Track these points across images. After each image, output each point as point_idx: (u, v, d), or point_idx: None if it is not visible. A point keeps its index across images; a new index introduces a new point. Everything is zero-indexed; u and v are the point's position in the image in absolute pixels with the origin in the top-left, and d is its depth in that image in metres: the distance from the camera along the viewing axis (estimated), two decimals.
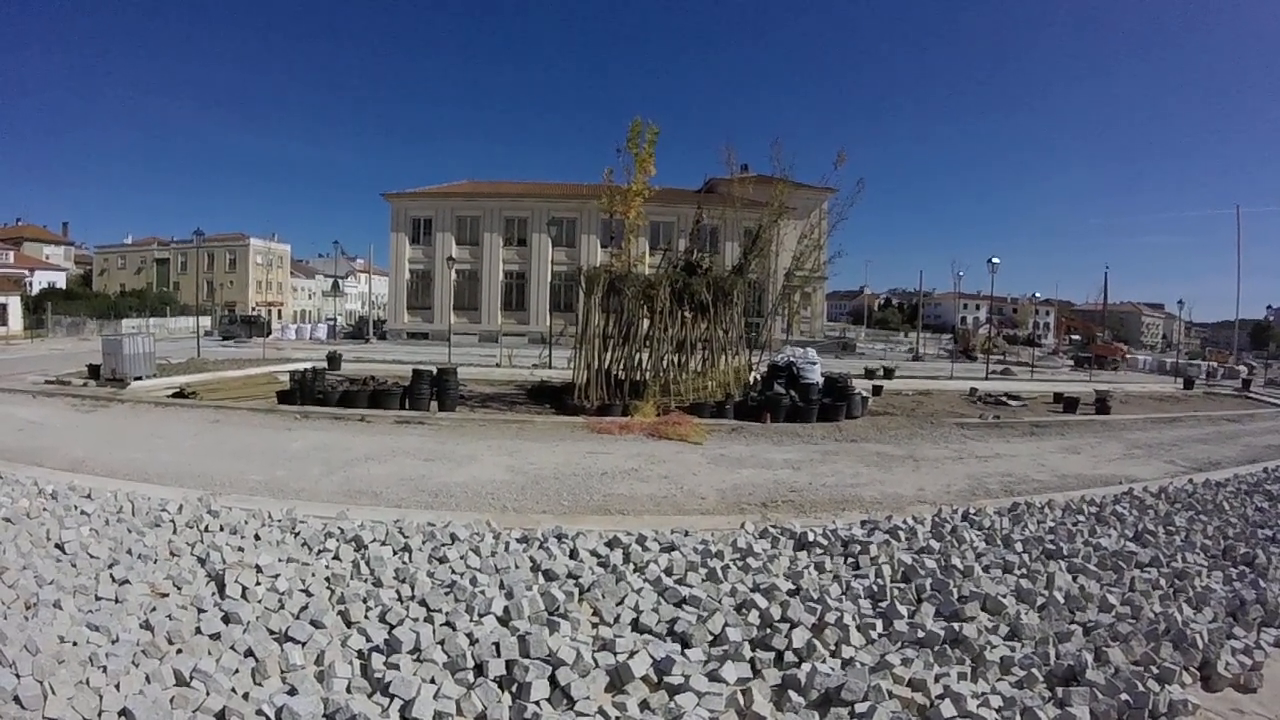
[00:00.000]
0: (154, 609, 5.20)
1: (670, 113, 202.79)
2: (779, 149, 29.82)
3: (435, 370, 18.66)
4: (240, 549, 6.46)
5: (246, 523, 7.36)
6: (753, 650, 5.16)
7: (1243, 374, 40.93)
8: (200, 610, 5.20)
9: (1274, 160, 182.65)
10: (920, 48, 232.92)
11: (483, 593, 5.74)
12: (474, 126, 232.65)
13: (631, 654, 4.81)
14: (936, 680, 4.73)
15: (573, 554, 6.97)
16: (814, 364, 20.40)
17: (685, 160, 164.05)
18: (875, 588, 6.31)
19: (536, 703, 4.31)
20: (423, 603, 5.58)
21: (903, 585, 6.45)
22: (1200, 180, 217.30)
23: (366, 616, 5.41)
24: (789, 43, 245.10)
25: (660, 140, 20.12)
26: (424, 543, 7.04)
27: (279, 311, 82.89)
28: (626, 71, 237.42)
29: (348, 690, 4.39)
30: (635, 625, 5.55)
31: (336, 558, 6.55)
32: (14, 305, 50.77)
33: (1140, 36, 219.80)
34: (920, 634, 5.42)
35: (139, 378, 20.51)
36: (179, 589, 5.65)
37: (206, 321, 50.79)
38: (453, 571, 6.30)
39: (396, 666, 4.57)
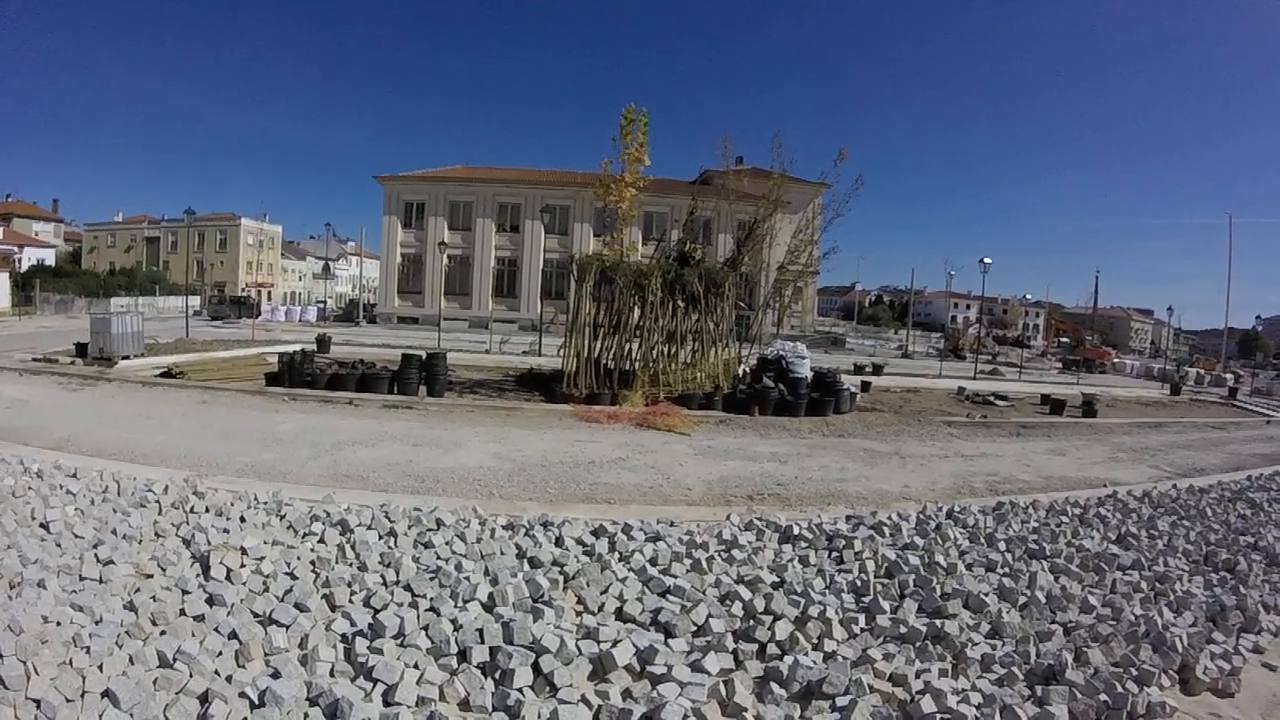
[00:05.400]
0: (138, 590, 5.18)
1: (667, 103, 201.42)
2: (779, 143, 29.78)
3: (424, 355, 18.61)
4: (226, 531, 6.44)
5: (232, 504, 7.34)
6: (736, 642, 5.19)
7: (1229, 382, 41.23)
8: (184, 592, 5.17)
9: (1267, 170, 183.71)
10: (918, 48, 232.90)
11: (468, 579, 5.75)
12: (470, 112, 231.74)
13: (615, 643, 4.83)
14: (917, 676, 4.76)
15: (558, 542, 6.98)
16: (803, 358, 20.45)
17: (681, 151, 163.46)
18: (859, 582, 6.35)
19: (519, 689, 4.32)
20: (408, 588, 5.59)
21: (886, 581, 6.48)
22: (1194, 188, 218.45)
23: (351, 600, 5.41)
24: (787, 37, 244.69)
25: (656, 130, 20.18)
26: (410, 528, 7.03)
27: (269, 293, 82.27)
28: (624, 61, 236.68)
29: (331, 674, 4.39)
30: (619, 614, 5.57)
31: (322, 541, 6.53)
32: (2, 282, 50.04)
33: (1137, 41, 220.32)
34: (902, 629, 5.46)
35: (127, 357, 20.39)
36: (163, 570, 5.62)
37: (196, 301, 50.49)
38: (438, 557, 6.30)
39: (380, 651, 4.57)
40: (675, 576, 6.18)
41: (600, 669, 4.66)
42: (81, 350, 20.82)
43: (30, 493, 7.14)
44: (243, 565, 5.74)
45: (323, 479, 9.73)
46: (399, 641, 4.74)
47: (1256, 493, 11.88)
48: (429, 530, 6.98)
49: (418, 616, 5.06)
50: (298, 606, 5.10)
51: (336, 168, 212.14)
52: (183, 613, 4.91)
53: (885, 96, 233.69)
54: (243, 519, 6.95)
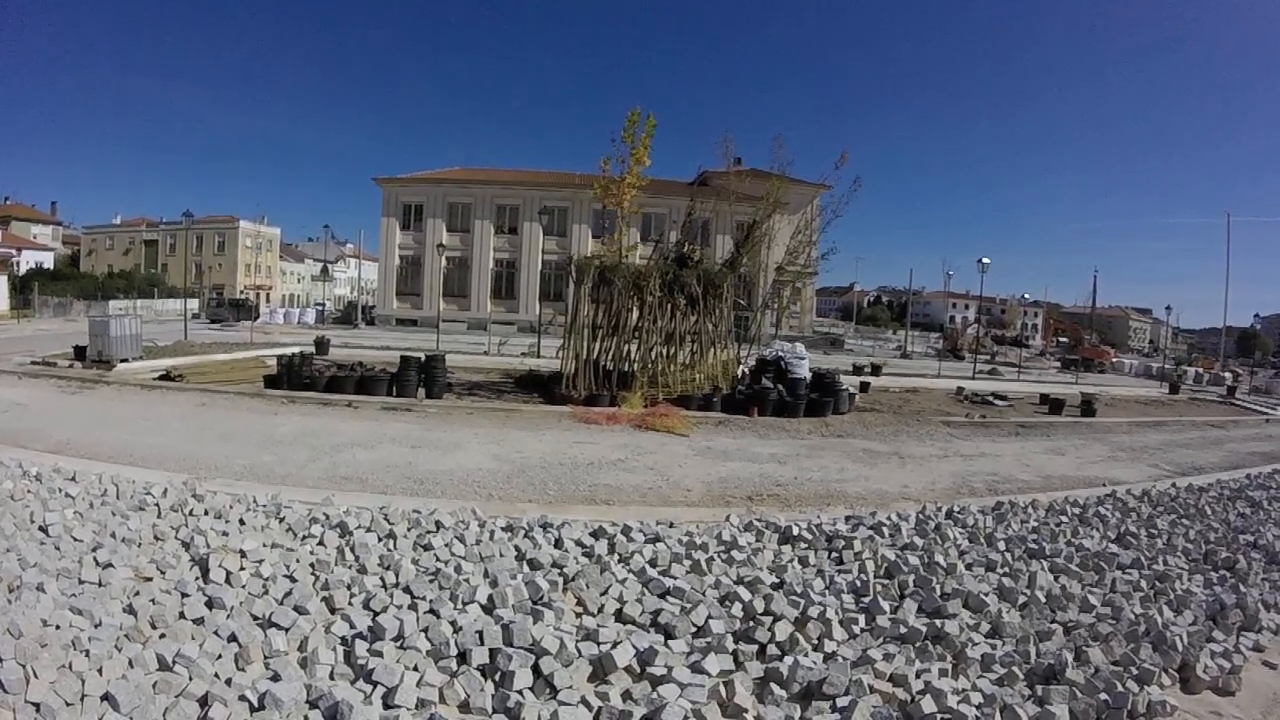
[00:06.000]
0: (137, 593, 5.18)
1: (664, 103, 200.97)
2: (780, 144, 29.84)
3: (423, 357, 18.61)
4: (225, 534, 6.43)
5: (231, 507, 7.33)
6: (736, 643, 5.19)
7: (1228, 381, 41.25)
8: (184, 595, 5.17)
9: (1265, 169, 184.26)
10: (916, 48, 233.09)
11: (467, 581, 5.75)
12: (469, 113, 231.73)
13: (615, 644, 4.83)
14: (918, 676, 4.75)
15: (558, 543, 6.97)
16: (802, 359, 20.45)
17: (679, 152, 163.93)
18: (858, 583, 6.35)
19: (519, 691, 4.31)
20: (407, 590, 5.58)
21: (886, 581, 6.48)
22: (1193, 188, 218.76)
23: (350, 603, 5.40)
24: (785, 38, 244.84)
25: (654, 131, 20.06)
26: (409, 530, 7.02)
27: (267, 295, 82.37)
28: (624, 61, 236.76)
29: (331, 677, 4.38)
30: (619, 616, 5.57)
31: (321, 544, 6.53)
32: (0, 285, 50.18)
33: (1135, 41, 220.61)
34: (902, 630, 5.46)
35: (125, 360, 20.35)
36: (163, 573, 5.62)
37: (194, 304, 50.44)
38: (437, 559, 6.30)
39: (380, 654, 4.57)
40: (675, 578, 6.18)
41: (600, 670, 4.66)
42: (80, 353, 20.78)
43: (29, 496, 7.13)
44: (242, 568, 5.73)
45: (322, 481, 9.72)
46: (399, 644, 4.74)
47: (1256, 491, 11.89)
48: (428, 532, 6.98)
49: (417, 619, 5.06)
50: (297, 609, 5.09)
51: (335, 169, 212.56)
52: (182, 615, 4.90)
53: (885, 96, 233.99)
54: (242, 521, 6.95)
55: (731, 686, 4.44)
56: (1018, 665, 5.02)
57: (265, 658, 4.55)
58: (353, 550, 6.33)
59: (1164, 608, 6.36)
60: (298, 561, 6.00)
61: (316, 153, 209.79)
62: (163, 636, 4.65)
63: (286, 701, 3.95)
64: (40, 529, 6.30)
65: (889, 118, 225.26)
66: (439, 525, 7.21)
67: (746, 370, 21.12)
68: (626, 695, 4.45)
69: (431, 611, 5.23)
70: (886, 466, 13.11)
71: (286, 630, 4.82)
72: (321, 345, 26.73)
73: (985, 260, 39.78)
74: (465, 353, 28.82)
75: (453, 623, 5.00)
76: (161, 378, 18.54)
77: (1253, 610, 6.41)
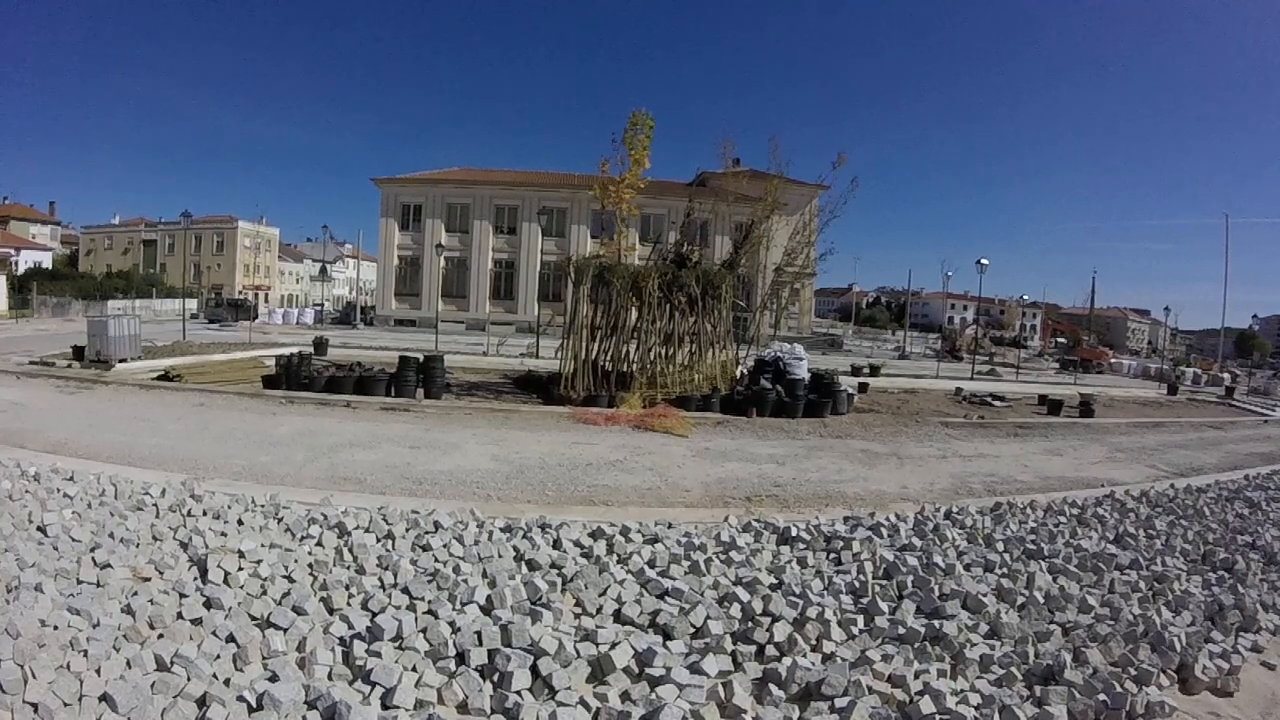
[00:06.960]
0: (136, 593, 5.16)
1: (662, 104, 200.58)
2: (777, 145, 29.83)
3: (422, 357, 18.64)
4: (223, 534, 6.43)
5: (230, 507, 7.32)
6: (734, 643, 5.19)
7: (1226, 382, 41.29)
8: (182, 595, 5.17)
9: (1265, 169, 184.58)
10: (914, 47, 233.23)
11: (465, 581, 5.74)
12: (466, 114, 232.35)
13: (613, 645, 4.82)
14: (916, 677, 4.76)
15: (556, 544, 6.97)
16: (800, 360, 20.46)
17: (677, 152, 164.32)
18: (857, 584, 6.35)
19: (518, 692, 4.31)
20: (405, 591, 5.57)
21: (884, 582, 6.48)
22: (1190, 188, 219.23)
23: (349, 604, 5.40)
24: (783, 39, 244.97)
25: (652, 132, 20.05)
26: (407, 530, 7.02)
27: (266, 295, 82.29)
28: (620, 62, 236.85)
29: (329, 677, 4.38)
30: (617, 616, 5.57)
31: (319, 544, 6.52)
32: None
33: (1134, 43, 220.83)
34: (901, 630, 5.46)
35: (124, 360, 20.34)
36: (161, 573, 5.61)
37: (193, 304, 50.37)
38: (436, 560, 6.29)
39: (378, 654, 4.56)
40: (673, 578, 6.18)
41: (599, 671, 4.65)
42: (79, 353, 20.78)
43: (27, 496, 7.12)
44: (240, 568, 5.72)
45: (320, 482, 9.71)
46: (397, 644, 4.73)
47: (1254, 492, 11.91)
48: (427, 533, 6.97)
49: (416, 619, 5.05)
50: (295, 609, 5.09)
51: (334, 170, 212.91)
52: (180, 616, 4.89)
53: (884, 96, 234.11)
54: (240, 522, 6.94)
55: (730, 687, 4.44)
56: (1016, 666, 5.02)
57: (263, 658, 4.54)
58: (351, 551, 6.32)
59: (1162, 608, 6.37)
60: (296, 562, 5.99)
61: (315, 153, 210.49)
62: (161, 637, 4.65)
63: (285, 702, 3.94)
64: (39, 529, 6.29)
65: (888, 117, 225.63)
66: (437, 526, 7.21)
67: (745, 371, 21.12)
68: (625, 696, 4.44)
69: (430, 612, 5.23)
70: (885, 467, 13.12)
71: (285, 631, 4.81)
72: (320, 345, 26.69)
73: (984, 261, 39.85)
74: (464, 353, 28.81)
75: (451, 623, 5.00)
76: (160, 378, 18.52)
77: (1251, 611, 6.42)
